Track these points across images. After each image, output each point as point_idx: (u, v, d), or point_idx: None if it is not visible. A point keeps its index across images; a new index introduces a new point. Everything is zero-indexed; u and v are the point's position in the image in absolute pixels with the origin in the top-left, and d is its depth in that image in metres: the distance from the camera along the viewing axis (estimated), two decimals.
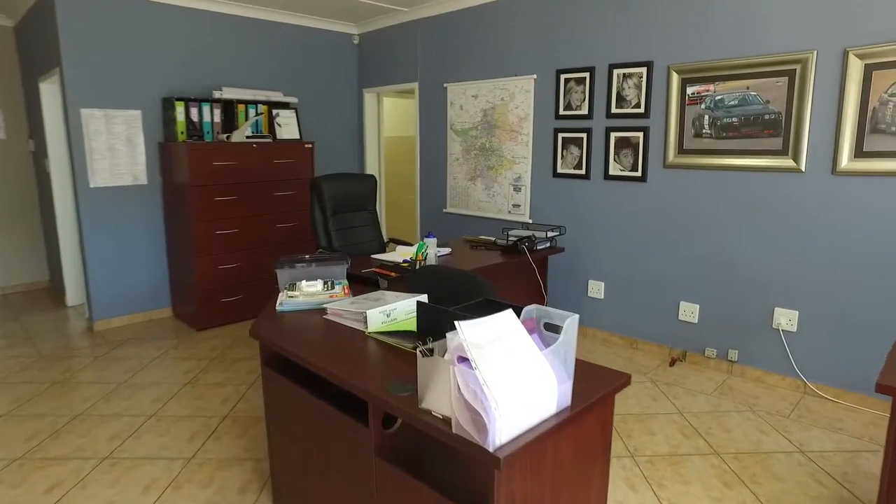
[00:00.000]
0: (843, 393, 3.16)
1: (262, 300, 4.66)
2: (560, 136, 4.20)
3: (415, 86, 5.20)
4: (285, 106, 4.90)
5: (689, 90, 3.50)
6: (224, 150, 4.31)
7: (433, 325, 1.75)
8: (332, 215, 3.81)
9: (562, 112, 4.16)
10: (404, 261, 3.13)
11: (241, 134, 4.46)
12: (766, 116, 3.23)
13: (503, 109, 4.52)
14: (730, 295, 3.52)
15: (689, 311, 3.71)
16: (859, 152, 2.96)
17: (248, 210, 4.50)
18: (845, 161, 3.00)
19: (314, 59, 5.37)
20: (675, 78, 3.55)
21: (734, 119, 3.35)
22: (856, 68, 2.92)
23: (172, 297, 4.74)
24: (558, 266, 4.33)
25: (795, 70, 3.10)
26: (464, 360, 1.25)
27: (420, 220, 5.39)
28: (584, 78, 3.99)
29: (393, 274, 2.76)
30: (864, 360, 3.07)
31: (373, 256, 3.40)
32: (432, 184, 5.22)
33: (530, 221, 4.48)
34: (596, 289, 4.15)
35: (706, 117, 3.46)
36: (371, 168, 5.87)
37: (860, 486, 2.43)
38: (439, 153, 5.11)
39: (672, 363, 3.73)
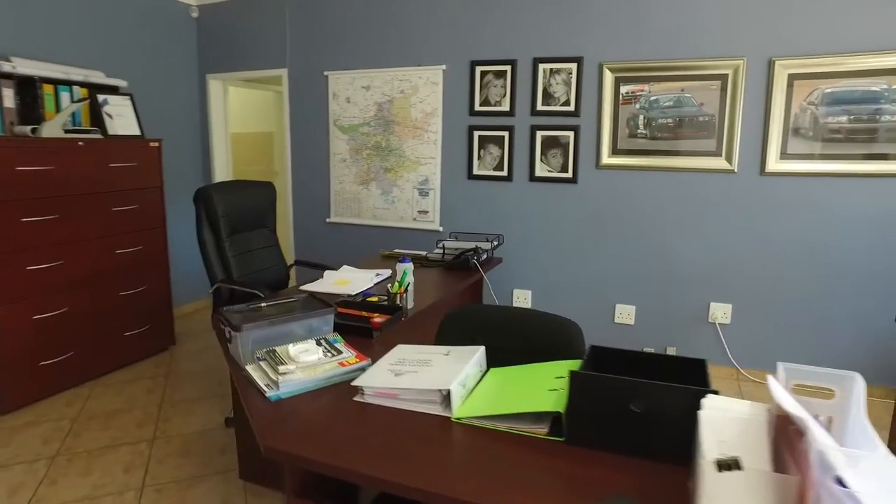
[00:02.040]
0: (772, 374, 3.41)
1: (108, 354, 3.39)
2: (476, 133, 3.82)
3: (282, 73, 4.31)
4: (113, 90, 3.62)
5: (624, 89, 3.43)
6: (31, 150, 2.96)
7: (602, 401, 1.24)
8: (229, 237, 2.87)
9: (478, 108, 3.78)
10: (363, 294, 2.44)
11: (57, 126, 3.13)
12: (701, 118, 3.30)
13: (404, 103, 3.97)
14: (666, 294, 3.56)
15: (625, 313, 3.67)
16: (784, 154, 3.18)
17: (75, 233, 3.20)
18: (772, 162, 3.20)
19: (143, 33, 4.09)
20: (608, 76, 3.44)
21: (669, 120, 3.37)
22: (781, 77, 3.11)
23: None
24: None
25: (728, 75, 3.21)
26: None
27: (294, 234, 4.53)
28: (505, 71, 3.67)
29: (378, 320, 2.08)
30: (790, 344, 3.33)
31: (304, 288, 2.62)
32: (310, 189, 4.41)
33: (440, 229, 4.03)
34: (522, 298, 3.90)
35: (641, 117, 3.42)
36: (221, 172, 4.75)
37: None
38: (319, 153, 4.32)
39: None
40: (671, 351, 3.59)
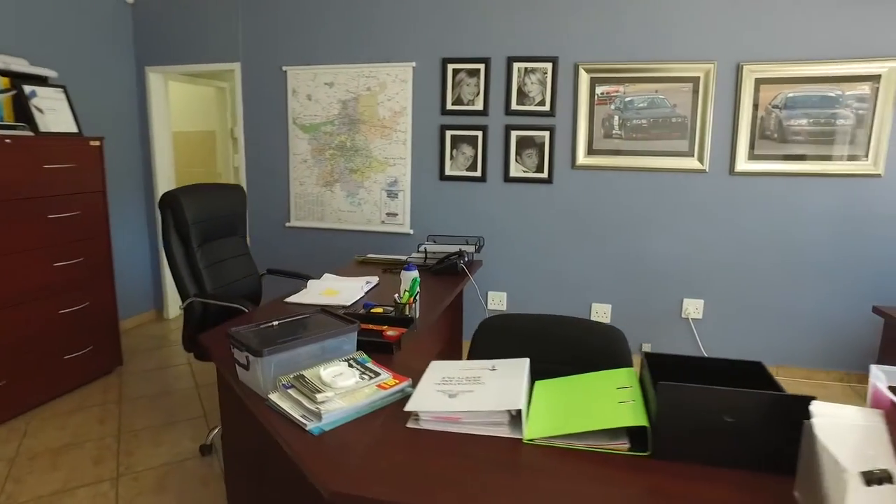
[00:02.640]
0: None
1: (45, 381, 2.97)
2: (449, 133, 3.72)
3: (235, 67, 3.99)
4: (41, 81, 3.19)
5: (599, 90, 3.44)
6: None
7: (691, 412, 1.18)
8: (200, 246, 2.59)
9: (450, 107, 3.68)
10: (364, 305, 2.28)
11: None
12: (674, 119, 3.38)
13: (370, 101, 3.79)
14: (641, 291, 3.62)
15: (601, 312, 3.70)
16: (752, 155, 3.31)
17: (5, 244, 2.78)
18: (741, 162, 3.33)
19: (70, 18, 3.64)
20: (584, 76, 3.44)
21: (643, 121, 3.42)
22: (748, 81, 3.24)
23: None
24: None
25: (699, 78, 3.30)
26: None
27: (251, 240, 4.22)
28: (478, 70, 3.59)
29: (392, 334, 1.94)
30: (760, 336, 3.49)
31: (291, 300, 2.41)
32: (267, 192, 4.12)
33: (411, 232, 3.89)
34: (497, 300, 3.84)
35: (616, 118, 3.45)
36: (163, 175, 4.34)
37: None
38: (277, 154, 4.05)
39: None
40: (647, 347, 3.66)
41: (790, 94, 3.20)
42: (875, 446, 1.01)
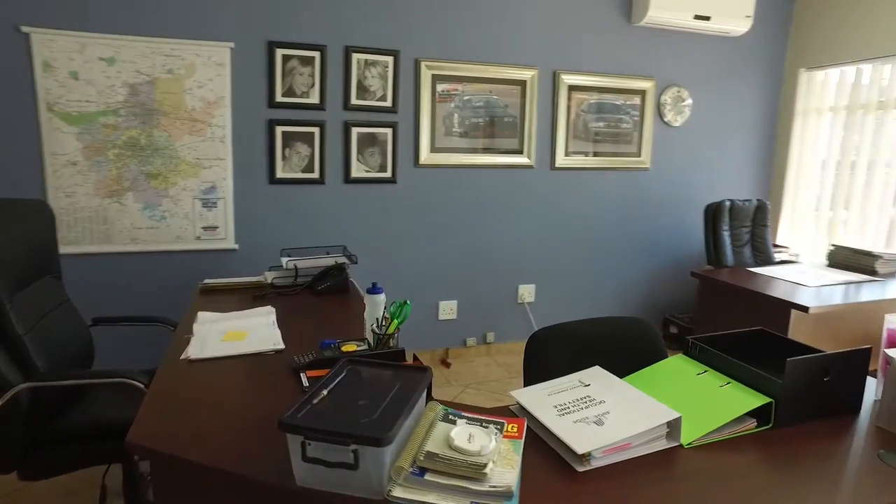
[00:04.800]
0: None
1: None
2: (280, 129, 3.19)
3: None
4: None
5: (440, 87, 3.42)
6: None
7: (805, 380, 1.36)
8: (9, 301, 1.65)
9: (281, 99, 3.16)
10: (322, 345, 1.82)
11: None
12: (506, 119, 3.60)
13: (174, 87, 2.98)
14: (483, 283, 3.78)
15: (448, 309, 3.73)
16: (567, 152, 3.78)
17: None
18: (560, 158, 3.77)
19: None
20: (426, 73, 3.37)
21: (480, 119, 3.55)
22: (563, 88, 3.67)
23: None
24: None
25: (526, 81, 3.58)
26: None
27: None
28: (313, 58, 3.17)
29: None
30: (577, 305, 4.02)
31: (193, 357, 1.75)
32: None
33: (236, 247, 3.24)
34: None
35: (456, 116, 3.49)
36: None
37: None
38: (18, 155, 2.83)
39: (447, 364, 3.70)
40: (490, 336, 3.87)
41: (592, 101, 3.76)
42: None
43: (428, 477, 1.08)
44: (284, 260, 2.69)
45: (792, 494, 1.09)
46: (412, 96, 3.40)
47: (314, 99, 3.22)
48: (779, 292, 2.74)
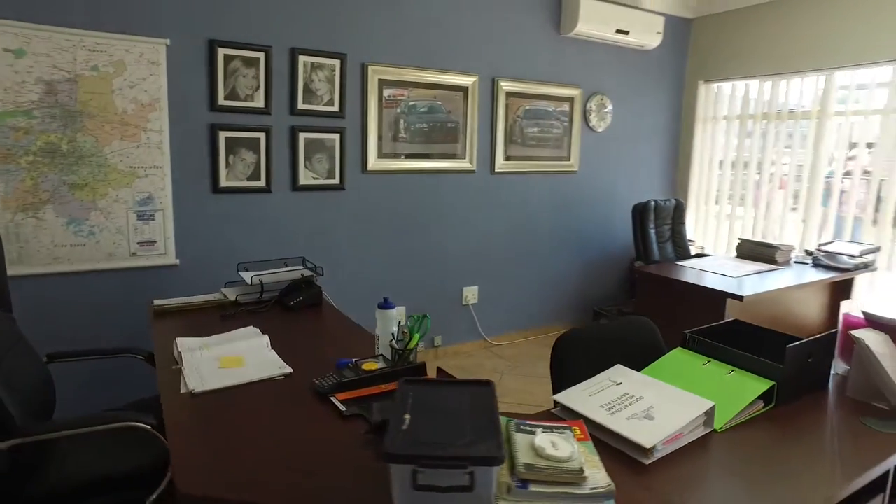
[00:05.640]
0: (510, 335, 4.20)
1: None
2: (223, 135, 2.98)
3: None
4: None
5: (386, 92, 3.38)
6: None
7: (799, 364, 1.58)
8: None
9: (223, 102, 2.95)
10: (338, 364, 1.76)
11: None
12: (449, 124, 3.64)
13: (101, 87, 2.66)
14: (430, 287, 3.80)
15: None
16: (506, 156, 3.91)
17: None
18: (499, 162, 3.88)
19: None
20: (373, 77, 3.31)
21: (425, 125, 3.56)
22: (502, 95, 3.79)
23: None
24: None
25: (468, 87, 3.65)
26: None
27: None
28: (258, 59, 2.99)
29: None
30: (513, 305, 4.17)
31: (197, 391, 1.62)
32: None
33: (177, 262, 2.98)
34: None
35: (402, 121, 3.47)
36: None
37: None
38: None
39: None
40: (438, 340, 3.90)
41: (527, 107, 3.92)
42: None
43: (532, 488, 1.10)
44: (247, 275, 2.53)
45: (817, 458, 1.31)
46: (359, 101, 3.34)
47: (259, 102, 3.04)
48: (712, 283, 3.07)
